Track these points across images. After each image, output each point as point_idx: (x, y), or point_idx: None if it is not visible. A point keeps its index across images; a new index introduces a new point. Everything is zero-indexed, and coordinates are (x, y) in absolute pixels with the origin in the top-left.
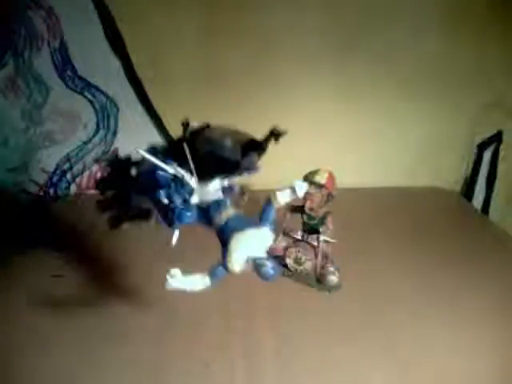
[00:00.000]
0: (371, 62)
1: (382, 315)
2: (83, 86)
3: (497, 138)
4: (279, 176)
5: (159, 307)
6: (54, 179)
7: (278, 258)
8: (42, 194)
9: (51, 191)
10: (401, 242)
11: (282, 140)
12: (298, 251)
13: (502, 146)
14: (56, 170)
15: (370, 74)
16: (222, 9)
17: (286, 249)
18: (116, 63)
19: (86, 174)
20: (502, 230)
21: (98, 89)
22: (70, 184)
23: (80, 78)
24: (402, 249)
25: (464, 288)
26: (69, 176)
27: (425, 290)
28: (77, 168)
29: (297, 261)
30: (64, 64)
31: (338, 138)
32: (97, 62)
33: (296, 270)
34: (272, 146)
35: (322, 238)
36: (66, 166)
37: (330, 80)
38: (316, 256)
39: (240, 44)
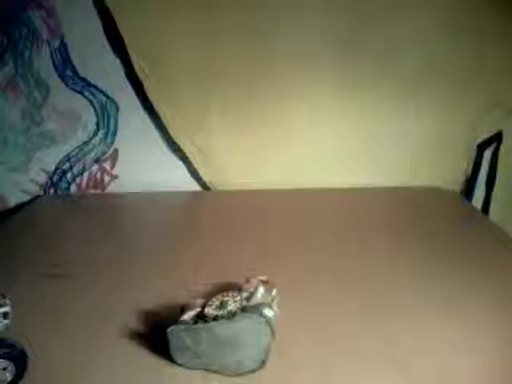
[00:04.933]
0: (371, 62)
1: (382, 314)
2: (83, 86)
3: (497, 138)
4: (280, 175)
5: (161, 305)
6: (54, 179)
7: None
8: (42, 193)
9: (51, 191)
10: (401, 242)
11: (282, 140)
12: (227, 295)
13: (501, 146)
14: (56, 169)
15: (370, 74)
16: (222, 9)
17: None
18: (116, 63)
19: (86, 174)
20: (501, 230)
21: (97, 89)
22: (69, 184)
23: (80, 77)
24: (402, 248)
25: (464, 287)
26: (69, 176)
27: (425, 289)
28: (77, 168)
29: (221, 305)
30: (64, 64)
31: (338, 137)
32: (97, 62)
33: (216, 316)
34: (273, 146)
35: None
36: (66, 166)
37: (330, 80)
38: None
39: (240, 44)
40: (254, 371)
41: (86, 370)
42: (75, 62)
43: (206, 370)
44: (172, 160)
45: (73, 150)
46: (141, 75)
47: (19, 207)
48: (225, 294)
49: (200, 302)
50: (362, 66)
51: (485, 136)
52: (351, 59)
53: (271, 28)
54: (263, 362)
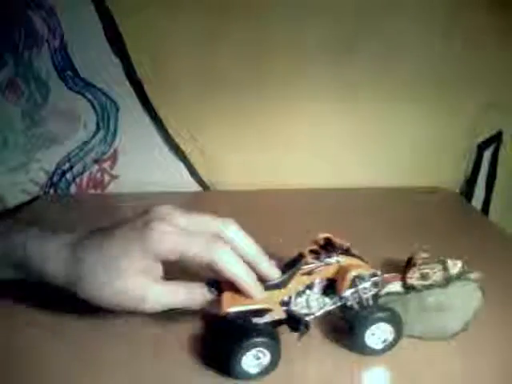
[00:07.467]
0: (370, 63)
1: None
2: (83, 86)
3: (497, 138)
4: (280, 175)
5: None
6: (54, 179)
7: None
8: (42, 193)
9: (51, 191)
10: (400, 242)
11: (282, 140)
12: (423, 268)
13: (501, 146)
14: (56, 169)
15: (370, 75)
16: (223, 11)
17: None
18: (116, 63)
19: (86, 174)
20: (501, 230)
21: (98, 89)
22: (69, 184)
23: (80, 78)
24: (402, 249)
25: None
26: (69, 176)
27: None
28: (77, 168)
29: (423, 276)
30: (64, 64)
31: (338, 139)
32: (97, 62)
33: (425, 285)
34: (273, 146)
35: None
36: (66, 166)
37: (330, 82)
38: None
39: (241, 45)
40: (456, 334)
41: (84, 370)
42: (75, 61)
43: (408, 336)
44: (172, 160)
45: (73, 150)
46: (141, 75)
47: (19, 207)
48: (418, 267)
49: (393, 275)
50: (362, 68)
51: (485, 136)
52: (350, 61)
53: (273, 31)
54: (467, 325)
